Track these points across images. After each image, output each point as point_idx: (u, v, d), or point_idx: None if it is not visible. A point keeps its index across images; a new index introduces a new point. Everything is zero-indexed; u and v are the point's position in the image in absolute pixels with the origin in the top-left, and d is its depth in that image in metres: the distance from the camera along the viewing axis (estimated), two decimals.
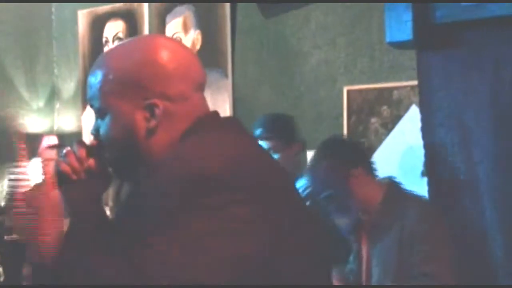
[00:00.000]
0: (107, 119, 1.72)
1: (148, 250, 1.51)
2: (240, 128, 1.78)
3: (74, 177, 1.78)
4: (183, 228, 1.50)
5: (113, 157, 1.77)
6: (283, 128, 4.32)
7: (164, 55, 1.71)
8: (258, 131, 4.17)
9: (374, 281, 3.11)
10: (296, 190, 1.82)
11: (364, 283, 3.16)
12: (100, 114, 1.75)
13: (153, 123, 1.69)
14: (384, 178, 3.26)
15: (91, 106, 1.77)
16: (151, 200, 1.58)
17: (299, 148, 4.29)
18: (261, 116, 4.50)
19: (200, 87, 1.77)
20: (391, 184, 3.20)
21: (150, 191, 1.60)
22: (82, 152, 1.79)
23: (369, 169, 3.23)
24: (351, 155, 3.22)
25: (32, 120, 7.79)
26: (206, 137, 1.67)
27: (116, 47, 1.81)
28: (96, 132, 1.78)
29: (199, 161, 1.56)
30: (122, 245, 1.57)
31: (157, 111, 1.68)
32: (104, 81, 1.71)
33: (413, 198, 3.19)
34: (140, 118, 1.69)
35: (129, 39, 1.87)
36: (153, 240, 1.51)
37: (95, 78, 1.74)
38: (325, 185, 3.18)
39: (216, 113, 1.79)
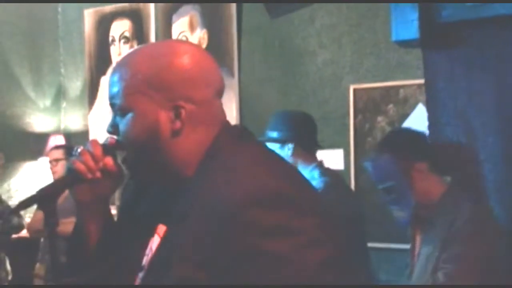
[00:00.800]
0: (129, 117, 1.74)
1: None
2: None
3: (89, 176, 1.79)
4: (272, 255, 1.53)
5: (131, 155, 1.78)
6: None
7: (191, 60, 1.74)
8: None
9: (414, 276, 3.12)
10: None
11: (413, 273, 3.17)
12: (121, 112, 1.75)
13: (178, 124, 1.71)
14: (448, 177, 3.24)
15: (112, 104, 1.78)
16: (213, 219, 1.58)
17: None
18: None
19: (221, 93, 1.81)
20: (453, 184, 3.18)
21: (210, 212, 1.60)
22: (98, 151, 1.80)
23: (434, 165, 3.19)
24: (416, 148, 3.18)
25: (38, 119, 7.81)
26: (250, 150, 1.73)
27: (142, 48, 1.83)
28: (113, 129, 1.79)
29: (265, 179, 1.60)
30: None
31: (182, 112, 1.71)
32: (131, 80, 1.73)
33: (470, 203, 3.17)
34: (164, 119, 1.71)
35: (156, 43, 1.91)
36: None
37: (120, 77, 1.76)
38: (386, 176, 3.16)
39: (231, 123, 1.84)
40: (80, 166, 1.79)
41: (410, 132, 3.49)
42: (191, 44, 1.93)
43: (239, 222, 1.53)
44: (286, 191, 1.58)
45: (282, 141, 3.93)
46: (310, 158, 3.99)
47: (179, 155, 1.72)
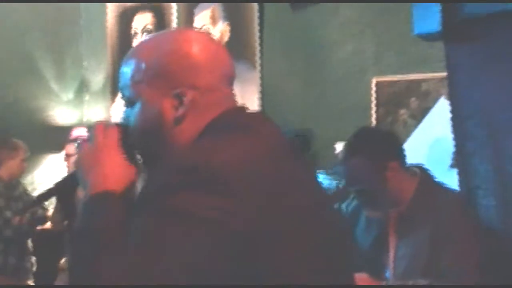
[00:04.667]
0: (136, 107, 1.75)
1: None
2: (265, 125, 1.74)
3: None
4: (151, 229, 1.49)
5: (140, 145, 1.78)
6: None
7: (194, 47, 1.74)
8: None
9: (399, 272, 3.09)
10: (320, 198, 1.76)
11: (390, 274, 3.15)
12: (130, 103, 1.78)
13: (181, 111, 1.71)
14: (414, 167, 3.22)
15: (122, 96, 1.81)
16: (144, 193, 1.59)
17: None
18: None
19: (229, 80, 1.79)
20: (423, 176, 3.17)
21: (147, 184, 1.60)
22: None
23: (403, 160, 3.18)
24: (386, 148, 3.16)
25: (61, 112, 7.86)
26: (222, 134, 1.66)
27: (148, 39, 1.84)
28: (125, 121, 1.81)
29: (201, 154, 1.55)
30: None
31: (185, 99, 1.71)
32: (135, 70, 1.75)
33: (446, 192, 3.16)
34: (168, 106, 1.71)
35: (161, 31, 1.90)
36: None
37: (127, 68, 1.77)
38: (359, 179, 3.13)
39: (241, 108, 1.80)
40: None
41: (377, 132, 3.48)
42: (197, 31, 1.91)
43: (159, 183, 1.55)
44: (223, 176, 1.50)
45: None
46: None
47: (181, 141, 1.71)
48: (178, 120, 1.71)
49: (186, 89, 1.70)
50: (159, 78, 1.72)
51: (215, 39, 1.86)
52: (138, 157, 1.82)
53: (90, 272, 1.52)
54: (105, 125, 1.81)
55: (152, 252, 1.46)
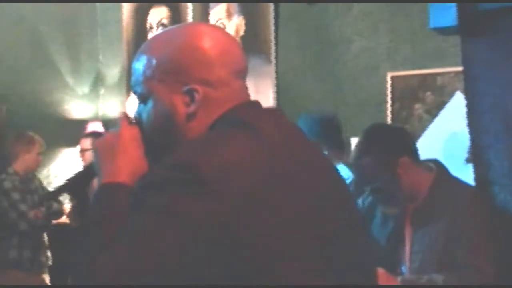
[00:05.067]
0: (149, 104, 1.73)
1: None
2: (271, 122, 1.68)
3: None
4: (137, 228, 1.50)
5: (151, 142, 1.76)
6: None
7: (205, 41, 1.70)
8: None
9: (415, 266, 3.09)
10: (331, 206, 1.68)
11: (406, 269, 3.15)
12: (142, 99, 1.76)
13: (192, 108, 1.68)
14: (430, 162, 3.22)
15: (134, 92, 1.78)
16: (136, 189, 1.61)
17: None
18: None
19: (241, 74, 1.75)
20: (439, 171, 3.17)
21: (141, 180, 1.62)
22: None
23: (415, 155, 3.18)
24: (396, 144, 3.16)
25: (77, 106, 7.89)
26: (221, 132, 1.64)
27: (159, 34, 1.81)
28: (138, 117, 1.79)
29: (190, 153, 1.54)
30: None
31: (196, 96, 1.67)
32: (146, 66, 1.72)
33: (463, 186, 3.16)
34: (179, 103, 1.68)
35: (172, 26, 1.86)
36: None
37: (138, 64, 1.75)
38: (372, 178, 3.13)
39: (251, 104, 1.76)
40: None
41: (387, 129, 3.47)
42: (209, 25, 1.87)
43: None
44: (208, 176, 1.48)
45: None
46: (338, 156, 4.05)
47: (192, 138, 1.68)
48: (190, 117, 1.69)
49: (198, 85, 1.68)
50: (169, 74, 1.70)
51: (226, 32, 1.83)
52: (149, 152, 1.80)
53: (86, 264, 1.54)
54: (130, 119, 1.80)
55: (133, 248, 1.47)
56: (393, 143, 3.14)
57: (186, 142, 1.64)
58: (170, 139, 1.70)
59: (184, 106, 1.69)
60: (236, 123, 1.64)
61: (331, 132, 4.22)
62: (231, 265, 1.49)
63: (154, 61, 1.71)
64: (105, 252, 1.50)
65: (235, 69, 1.73)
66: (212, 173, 1.49)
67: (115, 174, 1.69)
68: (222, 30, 1.84)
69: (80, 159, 6.06)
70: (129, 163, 1.72)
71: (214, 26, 1.85)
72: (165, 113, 1.70)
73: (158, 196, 1.50)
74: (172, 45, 1.71)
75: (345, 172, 3.90)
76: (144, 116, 1.75)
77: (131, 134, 1.75)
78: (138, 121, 1.79)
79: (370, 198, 3.33)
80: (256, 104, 1.76)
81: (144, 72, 1.73)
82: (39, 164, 6.24)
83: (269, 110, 1.78)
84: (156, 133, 1.73)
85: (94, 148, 1.79)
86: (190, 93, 1.68)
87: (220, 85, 1.69)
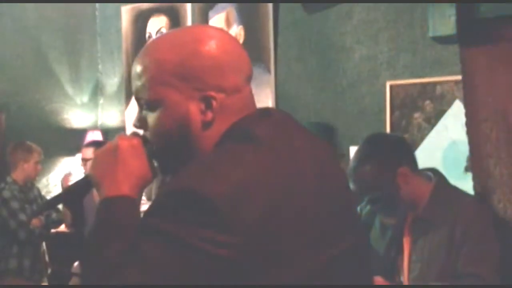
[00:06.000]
0: (158, 111, 1.64)
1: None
2: (286, 131, 1.66)
3: None
4: (147, 251, 1.46)
5: (161, 150, 1.68)
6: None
7: (217, 46, 1.64)
8: None
9: (414, 275, 3.08)
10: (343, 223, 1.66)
11: (405, 277, 3.14)
12: (150, 106, 1.66)
13: (209, 115, 1.62)
14: (428, 171, 3.22)
15: (138, 99, 1.69)
16: (147, 209, 1.55)
17: None
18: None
19: (250, 79, 1.71)
20: (439, 180, 3.16)
21: (153, 202, 1.56)
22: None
23: (414, 164, 3.17)
24: (396, 154, 3.15)
25: (76, 115, 7.88)
26: (230, 149, 1.58)
27: (163, 38, 1.72)
28: (140, 123, 1.71)
29: (201, 179, 1.48)
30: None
31: (214, 103, 1.61)
32: (156, 71, 1.64)
33: (463, 195, 3.15)
34: (195, 110, 1.62)
35: (176, 29, 1.78)
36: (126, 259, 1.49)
37: (144, 68, 1.66)
38: (371, 187, 3.12)
39: (262, 113, 1.69)
40: None
41: (386, 139, 3.46)
42: (215, 28, 1.77)
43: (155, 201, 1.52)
44: (221, 206, 1.44)
45: None
46: None
47: (208, 146, 1.63)
48: (206, 125, 1.63)
49: (214, 92, 1.62)
50: (183, 81, 1.62)
51: (232, 35, 1.78)
52: (155, 164, 1.73)
53: (87, 279, 1.54)
54: (129, 136, 1.72)
55: (144, 276, 1.45)
56: (393, 153, 3.14)
57: (196, 164, 1.56)
58: (184, 148, 1.65)
59: (200, 113, 1.62)
60: (244, 137, 1.59)
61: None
62: None
63: (163, 66, 1.63)
64: (116, 276, 1.47)
65: (246, 74, 1.69)
66: (225, 204, 1.44)
67: (117, 188, 1.64)
68: (228, 33, 1.78)
69: (82, 168, 6.05)
70: (130, 175, 1.66)
71: (219, 29, 1.77)
72: (180, 120, 1.63)
73: (170, 224, 1.46)
74: (182, 49, 1.64)
75: None
76: (152, 123, 1.67)
77: (130, 145, 1.68)
78: (141, 127, 1.72)
79: (368, 207, 3.32)
80: (266, 113, 1.69)
81: (153, 77, 1.64)
82: (37, 173, 6.24)
83: (279, 119, 1.70)
84: (168, 142, 1.66)
85: (92, 162, 1.72)
86: (207, 100, 1.62)
87: (234, 92, 1.64)
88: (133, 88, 1.70)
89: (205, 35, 1.67)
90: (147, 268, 1.45)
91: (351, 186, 3.18)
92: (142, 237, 1.49)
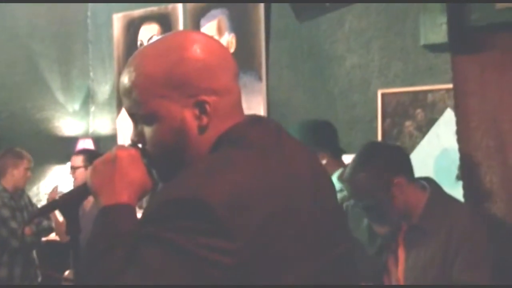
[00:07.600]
0: (156, 123, 1.65)
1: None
2: (278, 137, 1.69)
3: None
4: (148, 259, 1.48)
5: (160, 159, 1.69)
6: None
7: (202, 50, 1.65)
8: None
9: (410, 284, 3.09)
10: (334, 222, 1.71)
11: (399, 285, 3.14)
12: (146, 120, 1.67)
13: (204, 120, 1.63)
14: (423, 180, 3.21)
15: (132, 114, 1.70)
16: (143, 217, 1.56)
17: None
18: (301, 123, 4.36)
19: (237, 76, 1.72)
20: (434, 189, 3.15)
21: (147, 209, 1.57)
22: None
23: (411, 174, 3.16)
24: (393, 163, 3.14)
25: (67, 123, 7.87)
26: (227, 154, 1.60)
27: (145, 50, 1.73)
28: (138, 139, 1.71)
29: (199, 186, 1.50)
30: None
31: (207, 107, 1.62)
32: (146, 85, 1.64)
33: (458, 204, 3.15)
34: (190, 117, 1.63)
35: (157, 39, 1.77)
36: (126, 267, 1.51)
37: (133, 85, 1.66)
38: (366, 195, 3.11)
39: (253, 120, 1.71)
40: None
41: (383, 147, 3.46)
42: (195, 32, 1.79)
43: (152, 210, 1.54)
44: (221, 211, 1.46)
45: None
46: (337, 163, 4.01)
47: (203, 151, 1.65)
48: (202, 130, 1.64)
49: (206, 95, 1.63)
50: (173, 89, 1.62)
51: (213, 37, 1.79)
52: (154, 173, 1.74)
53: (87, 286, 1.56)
54: (127, 146, 1.74)
55: (137, 278, 1.47)
56: (389, 162, 3.13)
57: (192, 171, 1.58)
58: (182, 154, 1.66)
59: (195, 119, 1.64)
60: (239, 143, 1.62)
61: (330, 138, 4.18)
62: None
63: (152, 78, 1.64)
64: (116, 283, 1.49)
65: (233, 72, 1.70)
66: (224, 211, 1.46)
67: (116, 196, 1.64)
68: (209, 35, 1.79)
69: (71, 176, 6.02)
70: (129, 184, 1.66)
71: (200, 32, 1.79)
72: (177, 129, 1.64)
73: (170, 231, 1.48)
74: (168, 59, 1.64)
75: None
76: (150, 136, 1.68)
77: (129, 155, 1.68)
78: (139, 141, 1.72)
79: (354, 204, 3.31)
80: (257, 120, 1.73)
81: (144, 91, 1.64)
82: (27, 179, 6.19)
83: (270, 126, 1.73)
84: (166, 150, 1.67)
85: (91, 171, 1.72)
86: (200, 105, 1.63)
87: (225, 92, 1.66)
88: (124, 104, 1.71)
89: (187, 40, 1.68)
90: (147, 275, 1.47)
91: (346, 192, 3.19)
92: (142, 245, 1.50)
